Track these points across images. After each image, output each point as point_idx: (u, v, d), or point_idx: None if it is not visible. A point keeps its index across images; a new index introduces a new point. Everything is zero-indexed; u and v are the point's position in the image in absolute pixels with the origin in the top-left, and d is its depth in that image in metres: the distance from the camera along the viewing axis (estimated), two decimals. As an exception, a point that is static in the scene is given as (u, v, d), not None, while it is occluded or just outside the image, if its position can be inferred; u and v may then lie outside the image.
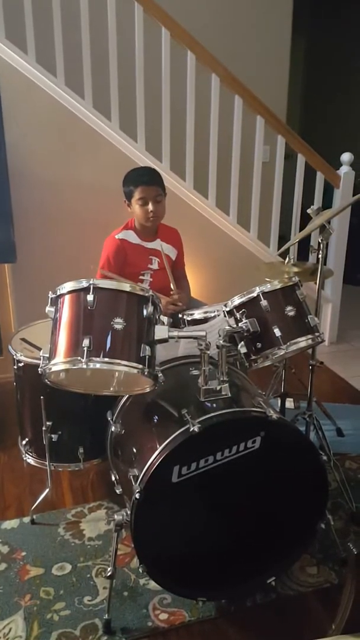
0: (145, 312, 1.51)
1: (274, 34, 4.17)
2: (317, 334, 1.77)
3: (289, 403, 2.64)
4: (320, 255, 2.08)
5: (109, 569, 1.63)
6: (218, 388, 1.58)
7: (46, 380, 1.55)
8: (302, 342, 1.73)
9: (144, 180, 2.40)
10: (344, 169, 3.55)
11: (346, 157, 3.52)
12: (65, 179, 3.13)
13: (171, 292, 2.39)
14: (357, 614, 1.16)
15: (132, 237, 2.51)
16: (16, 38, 2.94)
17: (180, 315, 2.02)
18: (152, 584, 1.74)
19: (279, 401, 2.51)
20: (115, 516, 1.59)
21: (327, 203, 3.50)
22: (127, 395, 1.84)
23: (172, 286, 2.39)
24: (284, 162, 3.53)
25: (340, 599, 1.20)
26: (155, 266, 2.55)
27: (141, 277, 2.52)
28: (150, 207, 2.39)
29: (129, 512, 1.52)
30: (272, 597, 1.73)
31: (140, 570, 1.53)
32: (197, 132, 3.27)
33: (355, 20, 5.34)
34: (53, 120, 3.04)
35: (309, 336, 1.75)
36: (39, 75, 2.97)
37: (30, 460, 2.12)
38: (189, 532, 1.59)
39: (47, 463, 2.01)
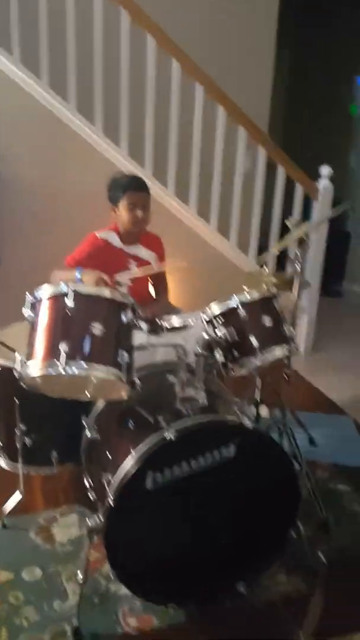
0: (124, 319, 1.52)
1: (258, 46, 4.23)
2: (292, 344, 1.80)
3: (264, 411, 2.66)
4: (297, 267, 2.12)
5: (79, 574, 1.63)
6: (194, 395, 1.60)
7: (22, 384, 1.54)
8: (278, 351, 1.76)
9: (133, 186, 2.41)
10: (323, 182, 3.60)
11: (325, 170, 3.58)
12: (48, 182, 3.12)
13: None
14: (325, 622, 1.18)
15: (114, 239, 2.51)
16: (0, 39, 2.93)
17: (158, 322, 2.03)
18: (123, 590, 1.73)
19: (254, 409, 2.54)
20: (88, 522, 1.59)
21: (306, 213, 3.56)
22: (104, 400, 1.84)
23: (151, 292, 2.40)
24: (266, 171, 3.57)
25: (309, 608, 1.21)
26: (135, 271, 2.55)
27: (118, 279, 2.51)
28: (139, 213, 2.40)
29: (101, 518, 1.52)
30: (242, 604, 1.74)
31: (112, 576, 1.52)
32: (180, 140, 3.30)
33: (337, 34, 5.44)
34: (36, 122, 3.03)
35: (285, 346, 1.78)
36: (22, 77, 2.96)
37: (2, 463, 2.09)
38: (162, 539, 1.59)
39: (19, 467, 1.99)
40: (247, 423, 1.53)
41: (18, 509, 2.10)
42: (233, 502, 1.62)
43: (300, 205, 3.64)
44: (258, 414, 2.53)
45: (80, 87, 3.09)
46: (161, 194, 3.32)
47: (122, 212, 2.42)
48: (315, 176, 3.62)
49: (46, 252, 3.15)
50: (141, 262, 2.57)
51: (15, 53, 2.96)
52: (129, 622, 1.67)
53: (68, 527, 2.05)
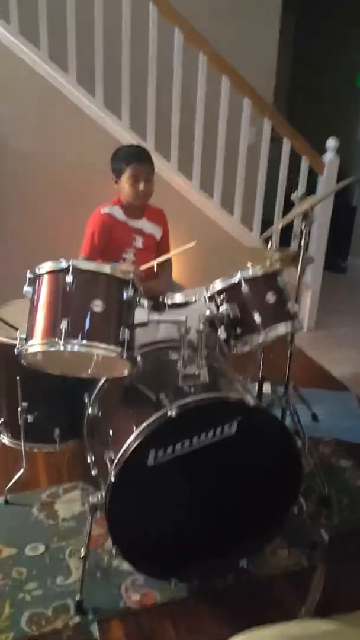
0: (125, 295, 1.49)
1: (263, 15, 4.10)
2: (296, 320, 1.78)
3: (267, 388, 2.65)
4: (302, 242, 2.08)
5: (82, 549, 1.64)
6: (197, 373, 1.58)
7: (22, 362, 1.53)
8: (282, 328, 1.74)
9: (136, 158, 2.38)
10: (329, 156, 3.52)
11: (331, 143, 3.49)
12: (46, 155, 3.07)
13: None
14: (327, 598, 1.18)
15: (118, 212, 2.48)
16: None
17: (161, 299, 2.01)
18: (125, 565, 1.75)
19: (257, 386, 2.53)
20: (90, 498, 1.59)
21: (312, 187, 3.49)
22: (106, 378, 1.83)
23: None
24: (271, 145, 3.49)
25: (310, 583, 1.21)
26: (139, 245, 2.52)
27: (124, 256, 2.49)
28: (141, 185, 2.36)
29: (103, 494, 1.52)
30: (244, 579, 1.75)
31: (114, 551, 1.53)
32: (183, 112, 3.23)
33: (344, 1, 5.28)
34: (34, 94, 2.97)
35: (289, 323, 1.76)
36: (21, 47, 2.89)
37: (5, 440, 2.09)
38: (163, 515, 1.60)
39: (22, 444, 2.00)
40: (249, 400, 1.52)
41: (21, 485, 2.11)
42: (235, 478, 1.62)
43: (306, 179, 3.57)
44: (261, 390, 2.52)
45: (80, 58, 3.02)
46: (163, 168, 3.26)
47: (125, 185, 2.38)
48: (321, 149, 3.54)
49: (41, 227, 3.13)
50: (145, 236, 2.54)
51: (13, 22, 2.88)
52: (131, 596, 1.68)
53: (71, 503, 2.06)
